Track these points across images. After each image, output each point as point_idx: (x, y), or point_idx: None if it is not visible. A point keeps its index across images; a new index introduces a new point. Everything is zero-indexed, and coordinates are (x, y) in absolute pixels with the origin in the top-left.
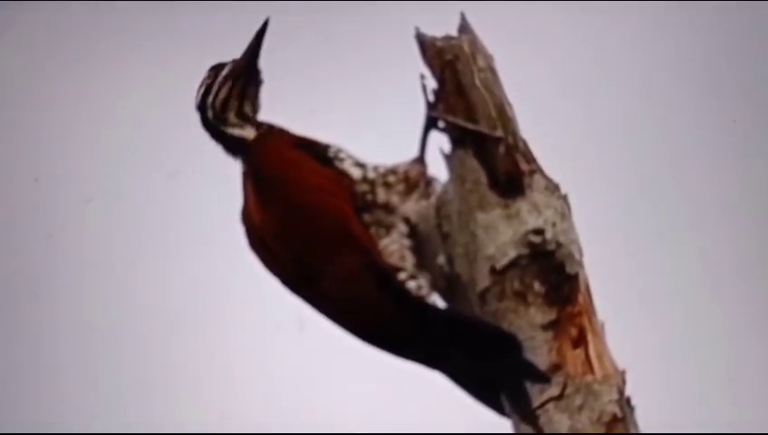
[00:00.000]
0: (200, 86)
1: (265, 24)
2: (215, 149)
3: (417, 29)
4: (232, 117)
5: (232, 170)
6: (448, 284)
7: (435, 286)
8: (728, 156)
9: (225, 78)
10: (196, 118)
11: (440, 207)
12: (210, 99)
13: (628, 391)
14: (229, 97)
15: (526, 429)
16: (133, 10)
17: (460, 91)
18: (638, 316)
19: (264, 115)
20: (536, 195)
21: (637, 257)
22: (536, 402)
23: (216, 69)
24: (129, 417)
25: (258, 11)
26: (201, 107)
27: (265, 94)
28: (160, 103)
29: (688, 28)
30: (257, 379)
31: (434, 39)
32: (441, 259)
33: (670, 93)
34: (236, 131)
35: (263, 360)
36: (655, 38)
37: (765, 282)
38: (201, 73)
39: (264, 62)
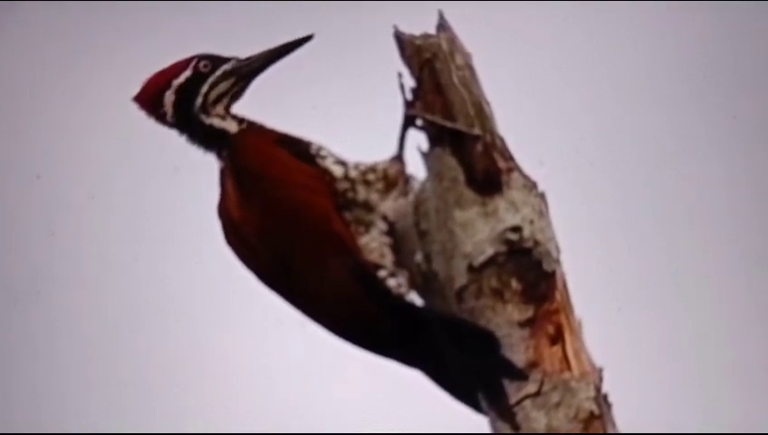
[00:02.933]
0: (187, 68)
1: (306, 39)
2: None
3: (395, 27)
4: (219, 109)
5: None
6: (425, 281)
7: (412, 284)
8: (729, 152)
9: (229, 74)
10: None
11: (418, 205)
12: (205, 88)
13: (629, 388)
14: (227, 93)
15: (503, 426)
16: (135, 6)
17: (438, 89)
18: (640, 312)
19: (265, 111)
20: (514, 193)
21: (637, 253)
22: (513, 399)
23: (214, 60)
24: (130, 415)
25: (259, 9)
26: (186, 90)
27: (267, 91)
28: None
29: (689, 24)
30: (261, 376)
31: (412, 37)
32: (418, 257)
33: (671, 89)
34: (217, 122)
35: (265, 356)
36: (655, 34)
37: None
38: None
39: None
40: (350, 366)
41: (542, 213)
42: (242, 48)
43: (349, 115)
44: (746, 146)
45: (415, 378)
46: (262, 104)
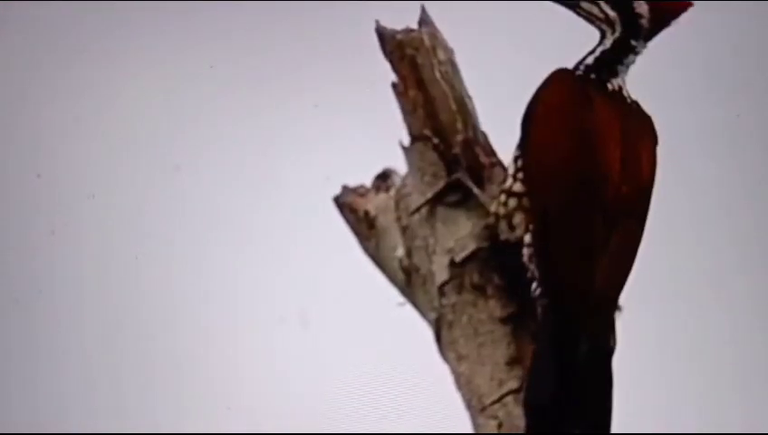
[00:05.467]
0: None
1: None
2: (218, 144)
3: (377, 22)
4: None
5: (235, 166)
6: (407, 277)
7: (393, 280)
8: (732, 151)
9: None
10: (199, 112)
11: (399, 200)
12: None
13: (630, 388)
14: None
15: (485, 425)
16: (135, 6)
17: (420, 84)
18: (641, 312)
19: (268, 108)
20: (496, 188)
21: (638, 253)
22: (495, 396)
23: None
24: (131, 415)
25: (259, 9)
26: None
27: (269, 88)
28: (163, 98)
29: (691, 21)
30: (263, 375)
31: (394, 32)
32: (400, 252)
33: (673, 88)
34: None
35: (267, 354)
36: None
37: None
38: (203, 68)
39: (267, 58)
40: (351, 365)
41: None
42: (242, 48)
43: (350, 113)
44: (750, 145)
45: (416, 377)
46: (263, 101)
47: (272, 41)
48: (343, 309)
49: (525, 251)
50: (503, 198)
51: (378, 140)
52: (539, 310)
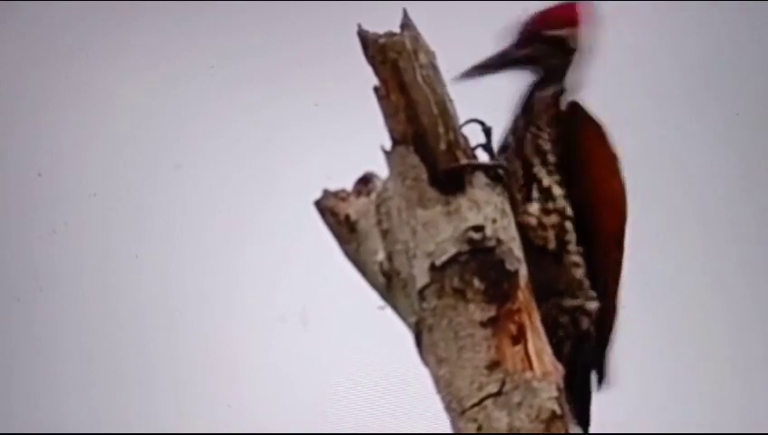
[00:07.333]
0: None
1: None
2: (219, 143)
3: (358, 26)
4: None
5: (236, 164)
6: (387, 281)
7: (374, 284)
8: (731, 149)
9: None
10: (199, 111)
11: (380, 204)
12: None
13: (631, 389)
14: None
15: (466, 425)
16: (135, 6)
17: (402, 88)
18: (641, 312)
19: (268, 107)
20: (476, 191)
21: (638, 252)
22: (475, 399)
23: None
24: (133, 413)
25: (260, 10)
26: None
27: (271, 87)
28: (164, 96)
29: (690, 19)
30: (263, 373)
31: (376, 36)
32: (380, 256)
33: (672, 86)
34: None
35: (269, 353)
36: (656, 29)
37: None
38: (204, 67)
39: (267, 58)
40: (351, 365)
41: (505, 212)
42: (242, 48)
43: (350, 113)
44: (749, 143)
45: (415, 377)
46: (262, 100)
47: (271, 41)
48: (343, 309)
49: (576, 270)
50: (554, 218)
51: (378, 140)
52: (581, 326)
